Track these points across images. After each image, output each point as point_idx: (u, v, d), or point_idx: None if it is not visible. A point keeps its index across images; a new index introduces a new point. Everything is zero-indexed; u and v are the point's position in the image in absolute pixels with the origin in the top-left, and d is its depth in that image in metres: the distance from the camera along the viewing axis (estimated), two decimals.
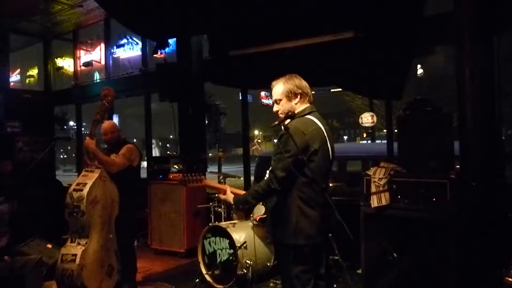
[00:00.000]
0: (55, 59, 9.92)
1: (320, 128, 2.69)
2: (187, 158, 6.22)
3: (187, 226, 5.82)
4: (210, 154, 5.80)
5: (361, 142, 24.38)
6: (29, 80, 10.92)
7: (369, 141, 19.26)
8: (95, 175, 3.87)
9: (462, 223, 3.49)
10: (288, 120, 2.70)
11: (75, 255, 3.66)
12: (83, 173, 3.94)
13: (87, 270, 3.73)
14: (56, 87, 10.04)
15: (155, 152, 26.40)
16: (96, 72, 9.80)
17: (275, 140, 2.74)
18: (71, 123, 11.10)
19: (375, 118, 12.76)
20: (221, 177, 5.25)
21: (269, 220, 2.81)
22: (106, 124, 4.36)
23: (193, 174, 2.87)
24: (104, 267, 3.97)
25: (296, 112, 2.74)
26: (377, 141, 18.19)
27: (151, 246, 6.16)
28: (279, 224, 2.68)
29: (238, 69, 6.35)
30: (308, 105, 2.78)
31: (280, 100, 2.76)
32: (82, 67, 9.53)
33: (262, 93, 24.43)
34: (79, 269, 3.63)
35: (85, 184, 3.79)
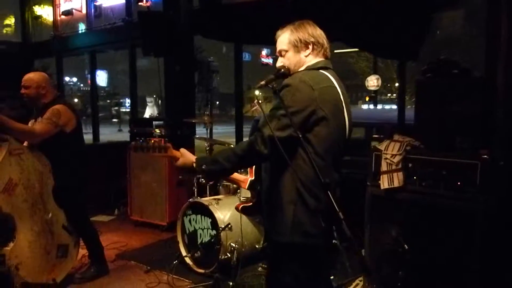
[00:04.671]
0: (33, 7, 9.01)
1: (336, 88, 1.99)
2: (170, 122, 5.52)
3: (170, 198, 5.21)
4: (194, 119, 5.09)
5: (362, 106, 23.62)
6: (6, 31, 10.04)
7: (371, 106, 18.54)
8: (3, 151, 3.09)
9: (492, 214, 2.85)
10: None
11: (3, 255, 3.02)
12: None
13: (27, 266, 3.15)
14: (35, 39, 9.19)
15: (153, 111, 25.40)
16: (81, 23, 8.94)
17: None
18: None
19: (380, 82, 12.14)
20: (207, 144, 4.58)
21: (263, 209, 2.12)
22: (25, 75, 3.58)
23: (156, 141, 2.15)
24: (52, 252, 3.40)
25: (306, 66, 2.04)
26: (379, 106, 17.49)
27: (131, 217, 5.57)
28: (271, 214, 2.02)
29: (231, 21, 5.58)
30: (322, 59, 2.07)
31: (286, 51, 2.06)
32: (62, 16, 8.65)
33: (263, 52, 23.33)
34: (14, 270, 3.02)
35: None
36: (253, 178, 2.13)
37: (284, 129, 1.83)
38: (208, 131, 5.16)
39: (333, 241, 3.44)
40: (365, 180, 3.38)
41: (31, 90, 3.55)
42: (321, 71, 2.01)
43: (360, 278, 3.63)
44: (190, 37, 6.30)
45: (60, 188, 3.55)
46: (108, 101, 33.84)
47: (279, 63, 2.09)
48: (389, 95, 26.42)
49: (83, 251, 3.98)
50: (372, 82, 12.24)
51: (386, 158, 3.14)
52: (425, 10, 4.10)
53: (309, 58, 2.05)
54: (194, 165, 2.00)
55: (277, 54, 2.11)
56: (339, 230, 1.63)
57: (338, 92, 2.00)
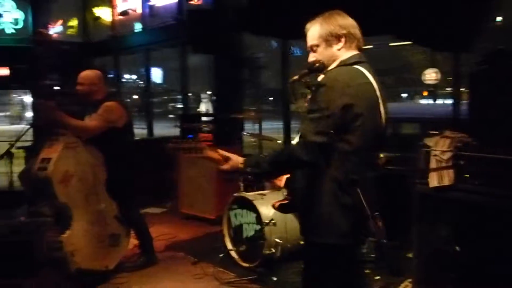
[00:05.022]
0: (93, 9, 9.48)
1: (371, 84, 1.91)
2: (218, 117, 5.60)
3: (217, 192, 5.29)
4: (241, 115, 5.12)
5: (420, 101, 22.71)
6: (70, 31, 10.66)
7: (430, 101, 17.79)
8: (60, 144, 3.28)
9: None
10: (321, 76, 1.93)
11: (61, 242, 3.21)
12: (47, 143, 3.36)
13: (81, 253, 3.32)
14: (94, 39, 9.67)
15: (208, 107, 25.83)
16: (137, 22, 9.29)
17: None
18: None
19: (439, 75, 11.60)
20: (254, 140, 4.62)
21: (298, 208, 2.10)
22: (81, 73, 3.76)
23: (191, 141, 2.17)
24: (104, 241, 3.57)
25: (339, 60, 1.97)
26: (439, 101, 16.71)
27: (181, 210, 5.74)
28: (306, 214, 1.99)
29: (279, 17, 5.56)
30: (356, 52, 1.99)
31: (317, 46, 1.99)
32: (119, 17, 9.03)
33: None
34: (70, 256, 3.20)
35: (49, 159, 3.20)
36: (289, 176, 2.11)
37: (324, 133, 1.79)
38: (257, 126, 5.18)
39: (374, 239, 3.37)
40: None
41: (84, 87, 3.75)
42: (355, 66, 1.93)
43: (409, 280, 3.50)
44: (239, 34, 6.36)
45: (112, 180, 3.71)
46: (165, 97, 34.90)
47: (311, 58, 2.02)
48: (450, 89, 25.19)
49: (134, 241, 4.15)
50: (430, 76, 11.77)
51: (435, 155, 2.99)
52: None
53: (342, 52, 1.98)
54: (241, 165, 2.01)
55: (308, 49, 2.03)
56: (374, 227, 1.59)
57: (374, 88, 1.92)
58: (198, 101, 29.71)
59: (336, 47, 1.97)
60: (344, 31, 1.96)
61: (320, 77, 1.97)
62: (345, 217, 1.86)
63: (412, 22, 4.16)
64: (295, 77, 1.92)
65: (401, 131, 6.79)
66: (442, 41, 4.25)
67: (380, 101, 1.94)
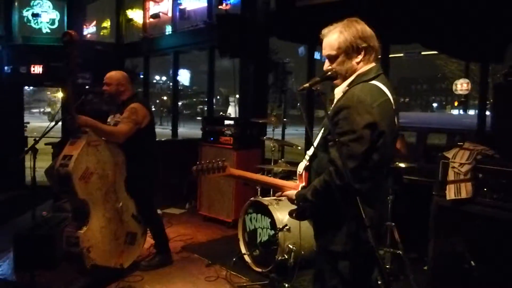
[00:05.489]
0: (126, 11, 9.70)
1: (390, 100, 1.90)
2: (240, 121, 5.62)
3: (236, 196, 5.32)
4: (262, 120, 5.11)
5: (451, 111, 22.14)
6: (103, 32, 10.94)
7: (461, 111, 17.32)
8: (82, 142, 3.35)
9: None
10: (345, 87, 1.94)
11: (77, 238, 3.27)
12: (69, 141, 3.45)
13: (97, 249, 3.38)
14: (127, 40, 9.89)
15: (234, 111, 26.06)
16: (168, 25, 9.46)
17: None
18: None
19: (470, 85, 11.31)
20: (272, 145, 4.62)
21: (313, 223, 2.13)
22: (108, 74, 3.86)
23: (214, 161, 2.12)
24: (121, 239, 3.62)
25: (357, 74, 1.94)
26: (470, 112, 16.26)
27: (200, 212, 5.78)
28: (324, 226, 2.01)
29: (305, 22, 5.55)
30: (373, 64, 1.96)
31: (336, 56, 1.94)
32: (151, 19, 9.20)
33: None
34: (86, 252, 3.26)
35: (71, 156, 3.27)
36: (304, 184, 2.11)
37: (356, 156, 1.79)
38: (278, 131, 5.17)
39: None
40: None
41: (111, 87, 3.84)
42: (374, 82, 1.91)
43: None
44: (266, 38, 6.39)
45: (131, 179, 3.78)
46: (194, 99, 35.36)
47: (326, 67, 1.99)
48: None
49: (151, 241, 4.21)
50: (461, 86, 11.47)
51: (453, 167, 2.92)
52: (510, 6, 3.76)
53: (361, 65, 1.95)
54: (295, 202, 2.03)
55: (325, 56, 2.00)
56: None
57: (391, 103, 1.92)
58: (228, 104, 29.99)
59: (355, 60, 1.94)
60: (365, 44, 1.92)
61: (338, 89, 1.98)
62: (363, 227, 1.84)
63: (438, 31, 4.07)
64: (306, 85, 1.91)
65: (428, 142, 6.66)
66: (469, 51, 4.13)
67: (395, 116, 1.95)
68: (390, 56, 5.41)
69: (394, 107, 1.93)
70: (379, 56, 2.01)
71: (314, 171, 2.03)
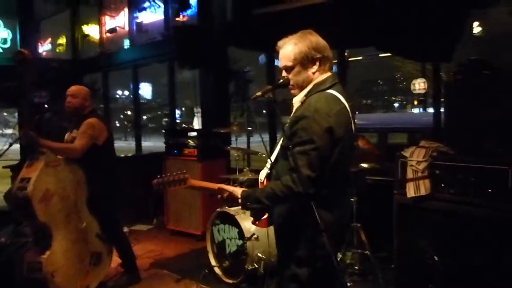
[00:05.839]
0: (82, 27, 9.51)
1: (346, 107, 1.97)
2: (203, 132, 5.59)
3: (203, 207, 5.26)
4: (224, 129, 5.11)
5: (411, 110, 22.84)
6: (59, 49, 10.67)
7: (421, 110, 17.91)
8: (40, 163, 3.25)
9: None
10: (302, 97, 1.99)
11: (40, 263, 3.16)
12: (26, 163, 3.33)
13: (62, 273, 3.26)
14: (83, 56, 9.70)
15: (198, 123, 25.90)
16: (126, 39, 9.34)
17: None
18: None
19: (427, 84, 11.74)
20: (236, 154, 4.61)
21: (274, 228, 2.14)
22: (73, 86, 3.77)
23: (174, 174, 2.13)
24: (85, 260, 3.51)
25: (314, 83, 2.00)
26: (430, 110, 16.83)
27: (167, 227, 5.69)
28: (284, 231, 2.05)
29: (263, 30, 5.59)
30: (329, 74, 2.03)
31: (292, 67, 2.00)
32: (107, 34, 9.07)
33: None
34: (50, 277, 3.15)
35: (29, 179, 3.16)
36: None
37: (317, 165, 1.83)
38: (239, 140, 5.15)
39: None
40: None
41: (77, 101, 3.73)
42: (330, 91, 1.97)
43: None
44: (224, 48, 6.39)
45: (93, 197, 3.69)
46: (159, 112, 34.96)
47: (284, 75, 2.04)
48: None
49: (118, 260, 4.10)
50: (419, 85, 11.89)
51: (411, 165, 3.00)
52: (458, 8, 3.92)
53: (317, 75, 2.01)
54: (240, 201, 2.03)
55: (281, 67, 2.05)
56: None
57: (348, 110, 1.97)
58: (193, 115, 29.80)
59: (311, 70, 2.00)
60: (319, 55, 1.98)
61: (296, 99, 2.02)
62: (304, 231, 1.91)
63: (390, 33, 4.19)
64: (258, 93, 1.93)
65: (389, 141, 6.83)
66: (420, 52, 4.27)
67: (352, 123, 2.00)
68: (350, 59, 5.53)
69: (350, 115, 1.99)
70: (332, 66, 2.06)
71: (274, 178, 2.05)
